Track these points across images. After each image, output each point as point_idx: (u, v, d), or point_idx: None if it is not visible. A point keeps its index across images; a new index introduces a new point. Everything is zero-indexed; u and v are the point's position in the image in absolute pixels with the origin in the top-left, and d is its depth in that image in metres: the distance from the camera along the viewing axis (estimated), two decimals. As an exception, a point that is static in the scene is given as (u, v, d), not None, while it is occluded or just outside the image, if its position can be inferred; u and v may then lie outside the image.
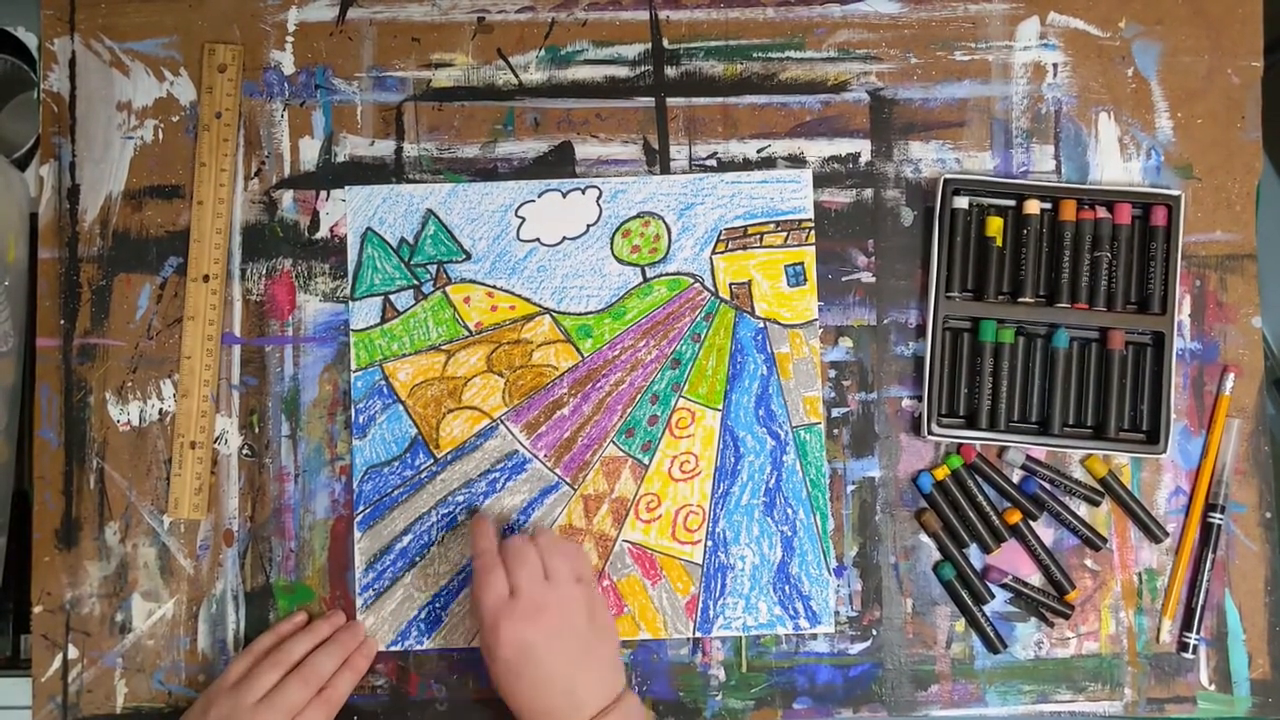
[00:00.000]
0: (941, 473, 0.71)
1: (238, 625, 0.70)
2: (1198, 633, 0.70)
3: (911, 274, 0.73)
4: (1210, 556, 0.71)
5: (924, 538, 0.71)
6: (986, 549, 0.71)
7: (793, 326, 0.72)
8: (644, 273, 0.73)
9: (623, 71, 0.74)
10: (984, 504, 0.71)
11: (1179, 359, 0.72)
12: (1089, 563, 0.71)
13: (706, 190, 0.73)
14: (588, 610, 0.64)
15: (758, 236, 0.73)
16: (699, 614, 0.70)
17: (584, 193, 0.73)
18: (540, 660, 0.61)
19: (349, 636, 0.69)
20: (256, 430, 0.72)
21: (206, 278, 0.72)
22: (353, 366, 0.72)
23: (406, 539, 0.71)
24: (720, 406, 0.72)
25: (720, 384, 0.72)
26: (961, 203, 0.71)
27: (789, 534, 0.71)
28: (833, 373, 0.72)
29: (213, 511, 0.71)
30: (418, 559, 0.71)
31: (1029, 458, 0.71)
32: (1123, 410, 0.71)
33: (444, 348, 0.72)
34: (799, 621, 0.71)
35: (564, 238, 0.73)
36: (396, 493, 0.71)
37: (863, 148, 0.74)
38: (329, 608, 0.71)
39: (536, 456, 0.71)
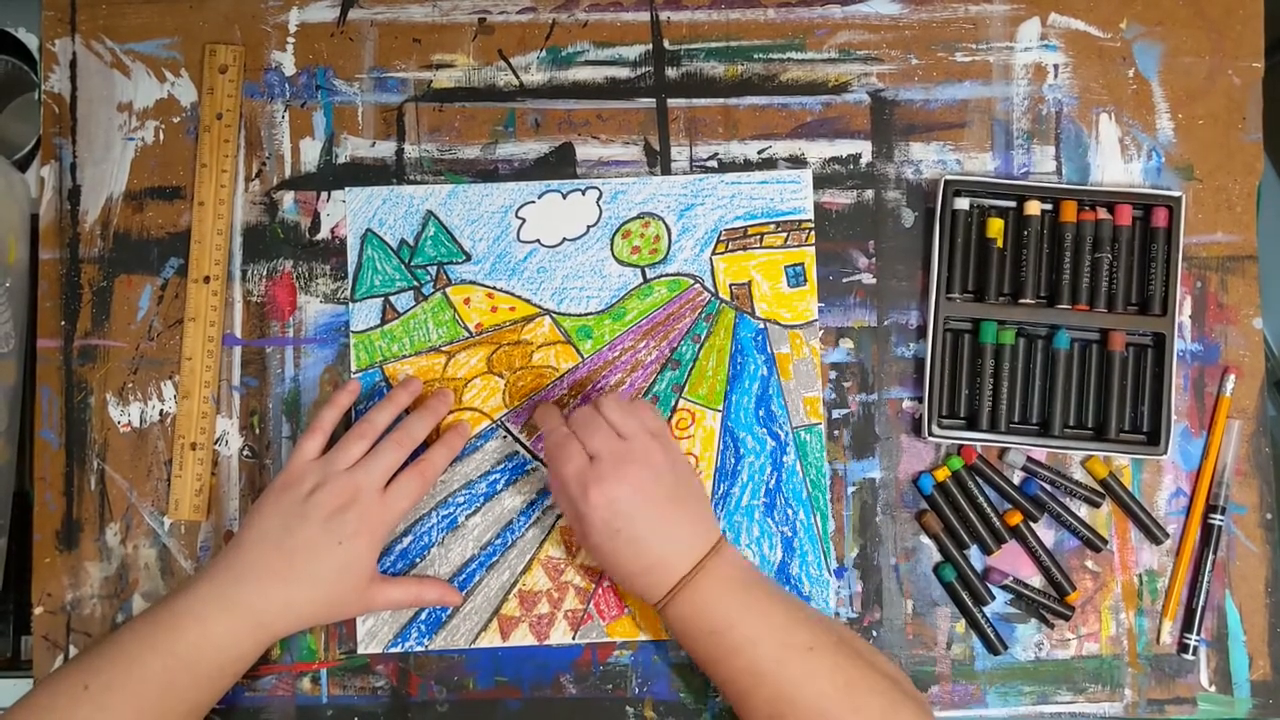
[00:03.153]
0: (942, 474, 0.71)
1: (238, 626, 0.70)
2: (1198, 634, 0.70)
3: (912, 275, 0.73)
4: (1211, 558, 0.71)
5: (924, 539, 0.71)
6: (987, 550, 0.71)
7: (793, 327, 0.72)
8: (644, 274, 0.73)
9: (624, 72, 0.74)
10: (984, 505, 0.71)
11: (1180, 360, 0.72)
12: (1089, 564, 0.71)
13: (706, 191, 0.73)
14: (669, 460, 0.63)
15: (758, 237, 0.73)
16: (699, 615, 0.70)
17: (584, 194, 0.73)
18: (634, 515, 0.61)
19: (438, 401, 0.69)
20: (257, 431, 0.72)
21: (207, 279, 0.72)
22: (353, 368, 0.72)
23: (407, 540, 0.71)
24: (720, 407, 0.72)
25: (720, 385, 0.72)
26: (962, 204, 0.71)
27: (789, 535, 0.71)
28: (833, 374, 0.72)
29: (213, 513, 0.71)
30: (418, 560, 0.71)
31: (1029, 459, 0.71)
32: (1123, 411, 0.71)
33: (444, 349, 0.72)
34: (799, 623, 0.71)
35: (564, 239, 0.73)
36: (397, 494, 0.71)
37: (863, 149, 0.74)
38: (329, 609, 0.71)
39: (537, 458, 0.71)
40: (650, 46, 0.74)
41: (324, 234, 0.73)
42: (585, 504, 0.61)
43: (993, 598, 0.70)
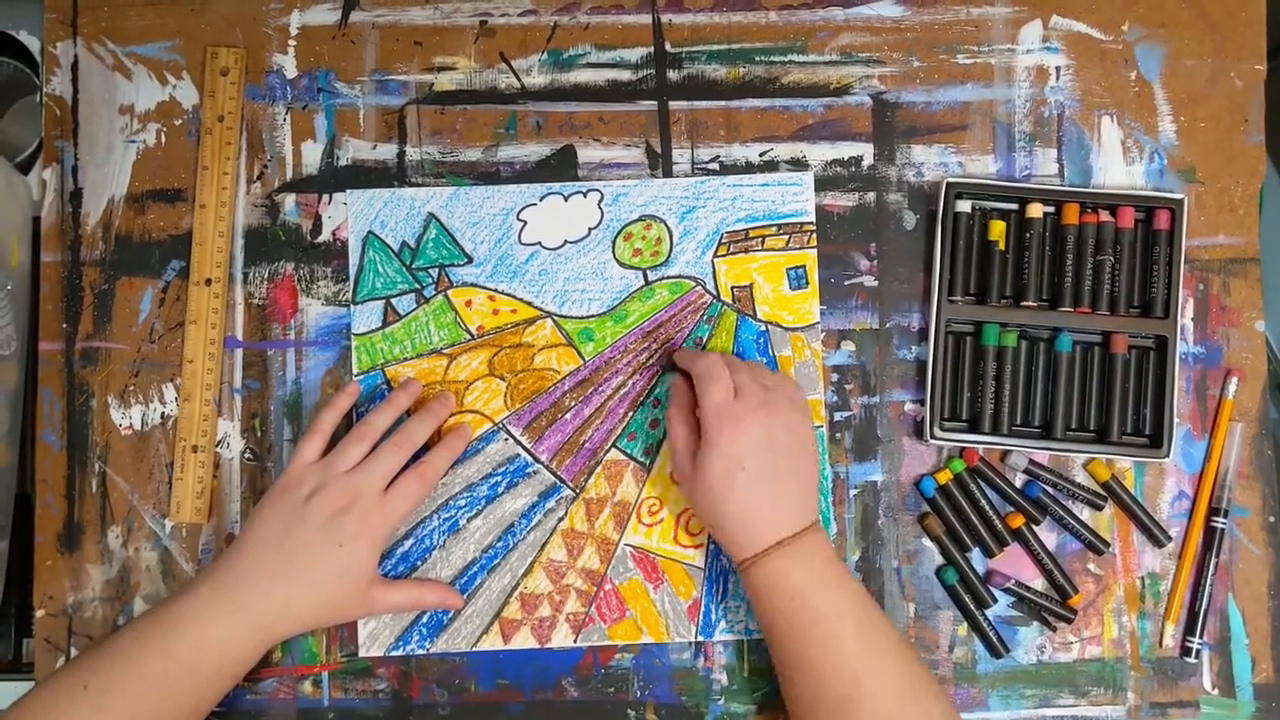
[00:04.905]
0: (944, 477, 0.71)
1: (240, 629, 0.70)
2: (1201, 637, 0.70)
3: (914, 277, 0.73)
4: (1213, 561, 0.70)
5: (926, 542, 0.71)
6: (989, 553, 0.71)
7: (794, 330, 0.72)
8: (645, 276, 0.73)
9: (625, 75, 0.74)
10: (986, 508, 0.70)
11: (1182, 363, 0.72)
12: (1092, 567, 0.71)
13: (708, 193, 0.73)
14: (804, 426, 0.64)
15: (759, 240, 0.73)
16: (701, 617, 0.70)
17: (585, 196, 0.73)
18: (759, 461, 0.61)
19: (439, 405, 0.69)
20: (259, 434, 0.72)
21: (209, 281, 0.72)
22: (354, 370, 0.72)
23: (408, 543, 0.71)
24: (722, 410, 0.72)
25: (722, 388, 0.72)
26: (964, 206, 0.71)
27: (791, 538, 0.71)
28: (835, 376, 0.72)
29: (215, 515, 0.71)
30: (419, 563, 0.71)
31: (1032, 462, 0.71)
32: (1125, 414, 0.71)
33: (445, 351, 0.72)
34: (801, 625, 0.70)
35: (565, 241, 0.73)
36: (398, 496, 0.71)
37: (865, 151, 0.73)
38: (331, 611, 0.71)
39: (538, 460, 0.71)
40: (652, 49, 0.74)
41: (325, 236, 0.73)
42: (719, 435, 0.61)
43: (995, 601, 0.70)
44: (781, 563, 0.62)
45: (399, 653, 0.70)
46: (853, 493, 0.72)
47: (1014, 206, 0.72)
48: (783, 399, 0.64)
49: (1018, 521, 0.70)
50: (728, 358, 0.66)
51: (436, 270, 0.73)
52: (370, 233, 0.73)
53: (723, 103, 0.74)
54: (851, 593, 0.62)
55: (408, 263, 0.73)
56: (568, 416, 0.72)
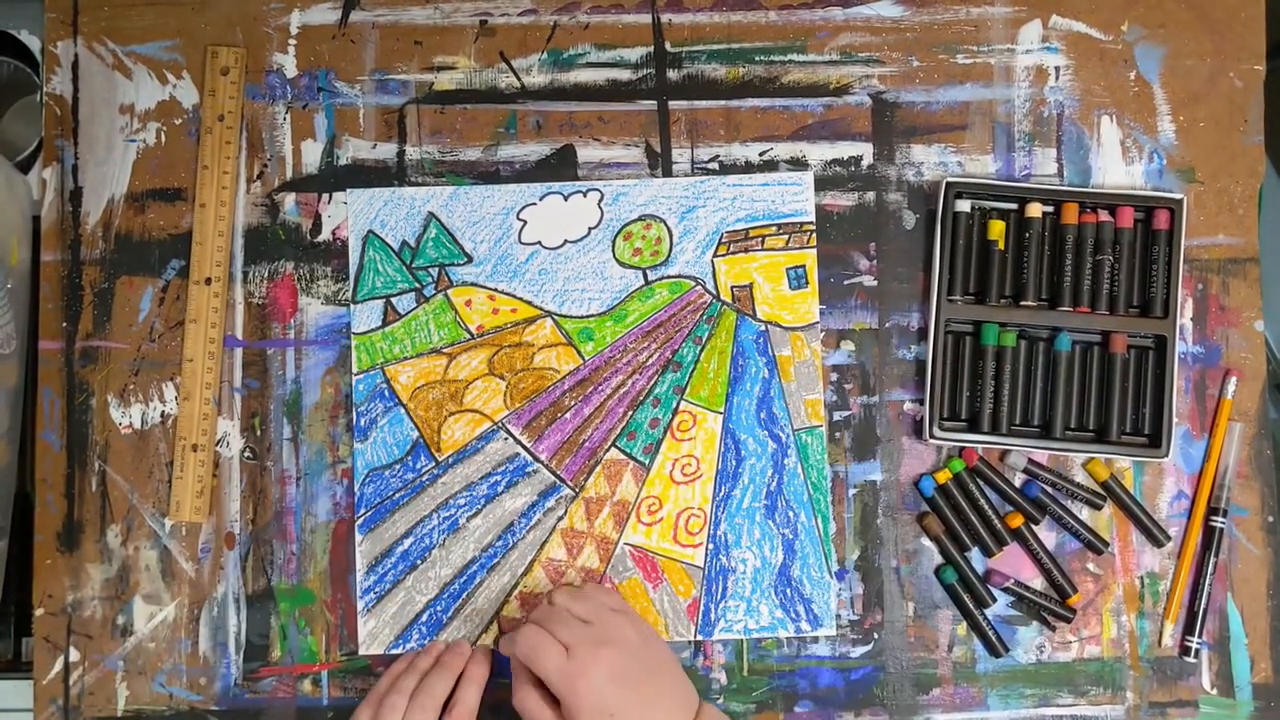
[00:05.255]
0: (943, 476, 0.71)
1: (239, 628, 0.71)
2: (1200, 637, 0.70)
3: (913, 277, 0.73)
4: (1212, 560, 0.70)
5: (926, 541, 0.71)
6: (988, 553, 0.71)
7: (794, 329, 0.72)
8: (645, 275, 0.73)
9: (625, 74, 0.74)
10: (986, 508, 0.71)
11: (1181, 362, 0.72)
12: (1091, 566, 0.71)
13: (708, 193, 0.73)
14: (639, 634, 0.63)
15: (759, 239, 0.73)
16: (700, 617, 0.70)
17: (585, 195, 0.73)
18: (624, 696, 0.60)
19: (454, 656, 0.67)
20: (258, 433, 0.72)
21: (209, 280, 0.72)
22: (354, 369, 0.72)
23: (408, 542, 0.71)
24: (722, 409, 0.72)
25: (722, 387, 0.72)
26: (963, 206, 0.71)
27: (790, 537, 0.71)
28: (834, 376, 0.72)
29: (214, 514, 0.71)
30: (419, 562, 0.71)
31: (1031, 461, 0.71)
32: (1125, 414, 0.71)
33: (445, 351, 0.72)
34: (800, 625, 0.71)
35: (565, 240, 0.73)
36: (398, 496, 0.71)
37: (865, 151, 0.74)
38: (330, 612, 0.71)
39: (538, 459, 0.71)
40: (652, 48, 0.74)
41: (325, 236, 0.73)
42: (575, 697, 0.60)
43: (994, 600, 0.70)
44: None
45: (399, 651, 0.70)
46: (852, 492, 0.72)
47: (1013, 206, 0.72)
48: (610, 621, 0.63)
49: (1017, 521, 0.71)
50: (540, 615, 0.64)
51: (436, 269, 0.73)
52: (370, 232, 0.73)
53: (722, 102, 0.74)
54: None
55: (408, 262, 0.73)
56: (567, 416, 0.72)
